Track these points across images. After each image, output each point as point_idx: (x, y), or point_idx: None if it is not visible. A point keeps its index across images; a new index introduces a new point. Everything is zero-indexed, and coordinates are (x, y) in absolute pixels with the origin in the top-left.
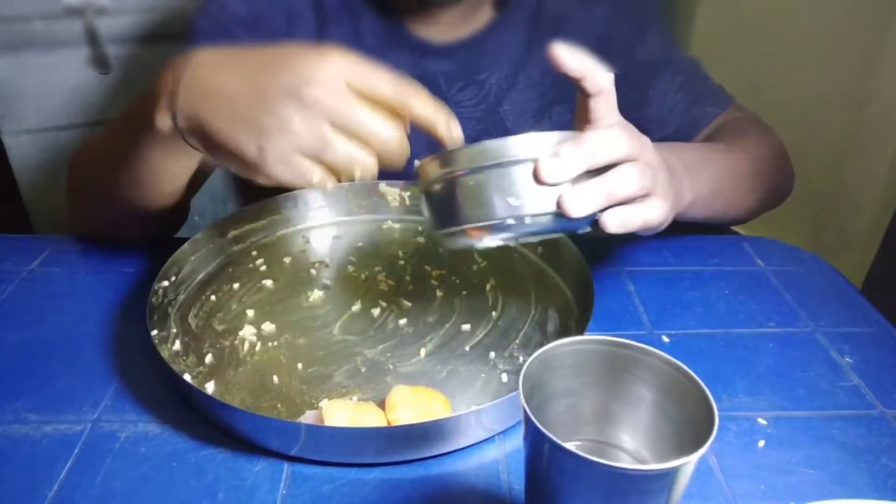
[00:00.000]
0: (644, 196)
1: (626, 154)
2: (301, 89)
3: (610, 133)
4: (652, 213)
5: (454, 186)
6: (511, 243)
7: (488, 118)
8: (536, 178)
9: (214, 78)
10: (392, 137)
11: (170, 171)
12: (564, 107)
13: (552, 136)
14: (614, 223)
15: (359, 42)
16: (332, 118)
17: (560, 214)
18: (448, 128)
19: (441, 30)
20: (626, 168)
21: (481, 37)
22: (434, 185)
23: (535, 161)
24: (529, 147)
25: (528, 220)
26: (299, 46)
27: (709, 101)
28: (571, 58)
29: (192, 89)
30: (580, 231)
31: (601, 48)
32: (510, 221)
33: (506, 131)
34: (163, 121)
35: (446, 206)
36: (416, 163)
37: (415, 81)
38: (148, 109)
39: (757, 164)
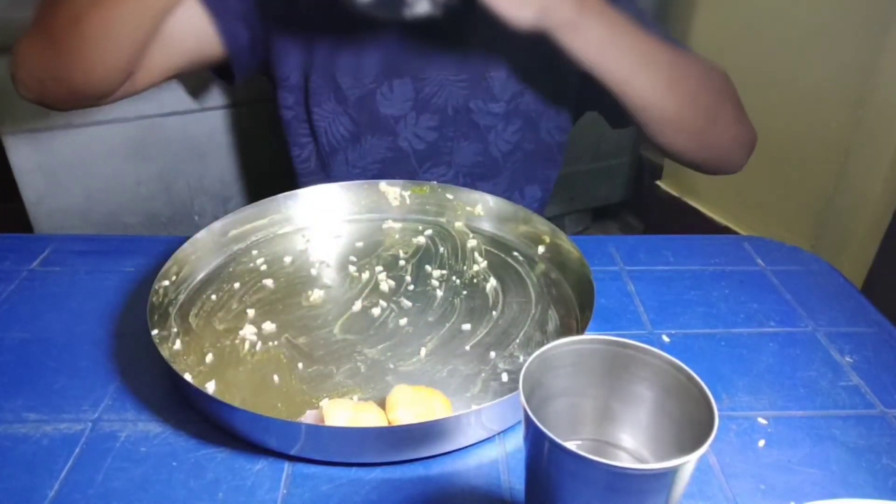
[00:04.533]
0: None
1: None
2: None
3: None
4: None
5: None
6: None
7: (475, 85)
8: None
9: None
10: None
11: None
12: (549, 74)
13: None
14: None
15: (342, 12)
16: None
17: None
18: None
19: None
20: None
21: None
22: None
23: None
24: None
25: None
26: None
27: None
28: None
29: None
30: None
31: None
32: None
33: (492, 97)
34: None
35: None
36: None
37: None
38: None
39: (692, 67)
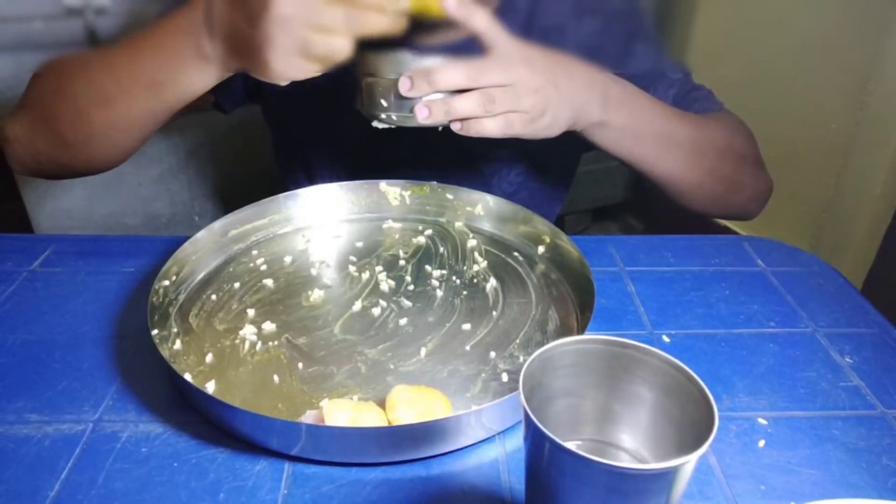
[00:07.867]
0: (497, 114)
1: (464, 83)
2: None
3: (453, 66)
4: (492, 128)
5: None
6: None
7: None
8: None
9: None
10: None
11: (187, 83)
12: None
13: (429, 61)
14: (457, 128)
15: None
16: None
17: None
18: None
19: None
20: (467, 94)
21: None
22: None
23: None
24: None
25: (394, 118)
26: None
27: (699, 108)
28: (453, 4)
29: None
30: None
31: (593, 61)
32: (383, 116)
33: (496, 142)
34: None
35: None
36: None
37: None
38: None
39: (712, 140)
